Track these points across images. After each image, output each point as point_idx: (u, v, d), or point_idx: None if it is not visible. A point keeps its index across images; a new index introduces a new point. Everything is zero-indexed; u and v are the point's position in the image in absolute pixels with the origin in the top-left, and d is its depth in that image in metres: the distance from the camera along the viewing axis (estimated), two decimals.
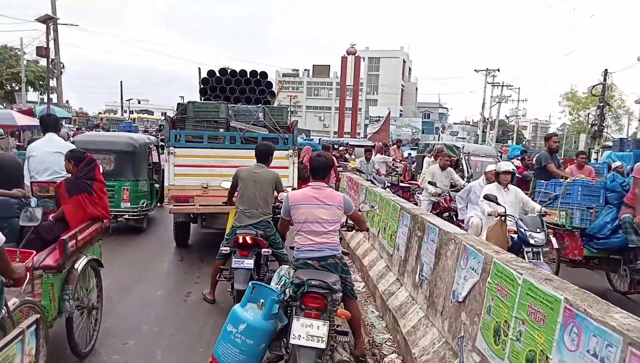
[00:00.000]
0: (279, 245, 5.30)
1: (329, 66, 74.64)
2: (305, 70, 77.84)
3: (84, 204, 4.23)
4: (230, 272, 4.93)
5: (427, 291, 4.03)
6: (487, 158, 9.97)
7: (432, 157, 9.69)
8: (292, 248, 4.54)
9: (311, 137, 30.33)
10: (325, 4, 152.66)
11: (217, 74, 8.78)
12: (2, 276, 2.51)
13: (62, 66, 31.06)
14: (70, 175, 4.44)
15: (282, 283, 3.73)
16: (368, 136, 41.90)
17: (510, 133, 63.07)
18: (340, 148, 16.15)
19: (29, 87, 39.96)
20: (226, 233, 5.38)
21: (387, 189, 9.70)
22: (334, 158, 3.88)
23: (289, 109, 8.44)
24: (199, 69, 9.09)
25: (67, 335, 3.78)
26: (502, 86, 47.45)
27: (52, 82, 31.85)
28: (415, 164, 13.50)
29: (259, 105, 8.12)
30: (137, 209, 8.72)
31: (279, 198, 5.26)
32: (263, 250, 4.94)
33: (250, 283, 3.50)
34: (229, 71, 8.83)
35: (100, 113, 54.61)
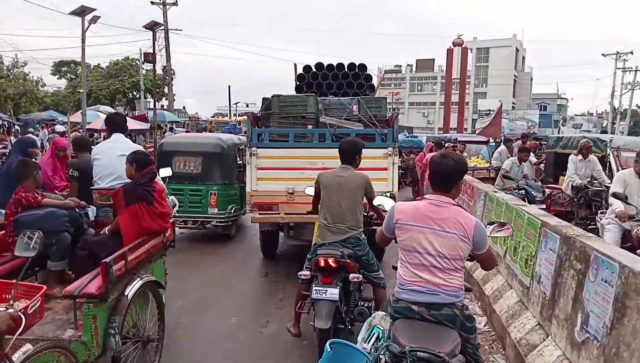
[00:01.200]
0: (373, 267, 4.15)
1: (433, 59, 71.62)
2: (408, 65, 75.50)
3: (141, 216, 3.63)
4: (311, 303, 3.86)
5: (599, 359, 2.62)
6: None
7: (578, 153, 7.52)
8: (394, 268, 3.40)
9: (414, 134, 28.62)
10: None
11: (314, 69, 7.97)
12: None
13: (172, 72, 32.81)
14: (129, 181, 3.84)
15: (373, 339, 2.60)
16: (477, 131, 38.91)
17: None
18: (448, 145, 14.47)
19: (148, 94, 43.10)
20: (310, 251, 4.36)
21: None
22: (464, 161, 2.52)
23: (387, 100, 7.22)
24: (295, 65, 8.43)
25: None
26: (636, 70, 41.39)
27: (173, 89, 33.89)
28: (544, 162, 11.24)
29: (353, 97, 7.04)
30: (225, 215, 8.09)
31: (374, 204, 4.09)
32: (351, 275, 3.82)
33: (327, 343, 2.41)
34: (325, 65, 7.99)
35: (211, 117, 57.52)
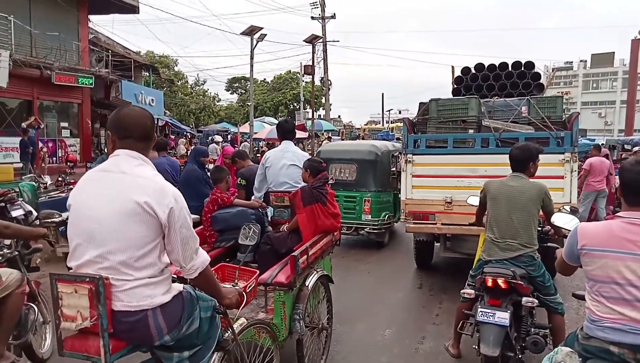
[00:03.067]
0: (549, 290, 3.60)
1: (613, 53, 63.24)
2: (581, 61, 67.67)
3: (317, 215, 4.01)
4: (476, 325, 3.49)
5: None
6: None
7: None
8: (575, 296, 2.90)
9: (589, 136, 25.37)
10: None
11: (473, 71, 7.47)
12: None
13: (329, 82, 34.24)
14: (305, 184, 4.28)
15: None
16: None
17: None
18: (636, 149, 12.43)
19: (307, 105, 45.71)
20: (473, 266, 3.98)
21: None
22: None
23: (563, 99, 6.38)
24: (452, 67, 8.01)
25: (298, 359, 3.47)
26: None
27: (330, 99, 35.55)
28: None
29: (521, 98, 6.37)
30: (378, 222, 8.01)
31: (552, 221, 3.57)
32: (524, 298, 3.35)
33: None
34: (486, 66, 7.42)
35: (364, 125, 58.76)
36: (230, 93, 56.55)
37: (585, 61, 67.13)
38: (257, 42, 19.79)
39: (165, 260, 2.02)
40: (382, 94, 54.18)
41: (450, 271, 6.66)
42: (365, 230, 8.11)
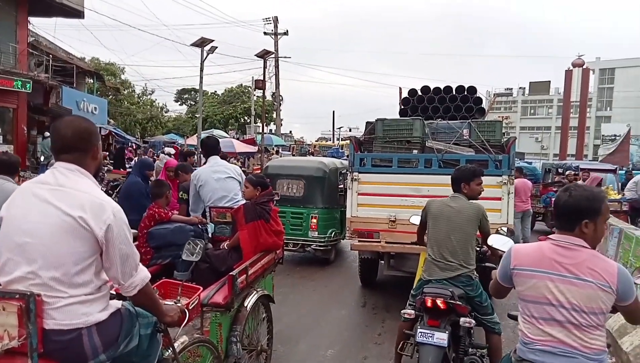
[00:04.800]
0: (487, 310, 3.68)
1: (549, 82, 67.16)
2: (520, 88, 71.55)
3: (259, 232, 3.90)
4: (416, 345, 3.50)
5: None
6: None
7: None
8: (510, 316, 2.96)
9: (527, 159, 26.72)
10: (540, 16, 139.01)
11: (419, 93, 7.68)
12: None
13: (281, 98, 34.30)
14: (245, 201, 4.23)
15: None
16: (600, 158, 35.39)
17: None
18: (568, 173, 13.17)
19: (257, 119, 45.47)
20: (414, 286, 4.02)
21: None
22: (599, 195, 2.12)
23: (502, 124, 6.66)
24: (400, 89, 8.25)
25: None
26: None
27: (281, 114, 35.53)
28: None
29: (463, 120, 6.60)
30: (325, 239, 7.99)
31: (488, 242, 3.66)
32: (462, 319, 3.40)
33: None
34: (432, 88, 7.67)
35: (315, 141, 59.17)
36: (180, 104, 55.50)
37: (524, 88, 71.01)
38: (208, 54, 19.48)
39: (104, 277, 1.95)
40: (333, 111, 54.96)
41: (394, 290, 6.72)
42: (312, 246, 8.07)
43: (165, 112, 47.93)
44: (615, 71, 61.13)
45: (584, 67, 43.55)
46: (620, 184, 13.78)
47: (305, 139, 58.51)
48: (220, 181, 4.71)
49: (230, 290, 3.22)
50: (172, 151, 16.59)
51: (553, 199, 4.12)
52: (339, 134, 62.16)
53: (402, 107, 7.76)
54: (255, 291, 3.64)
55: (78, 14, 19.20)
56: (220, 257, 3.98)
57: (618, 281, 2.04)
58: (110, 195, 8.83)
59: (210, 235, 4.48)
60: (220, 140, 5.90)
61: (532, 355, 2.15)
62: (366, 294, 6.56)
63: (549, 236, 2.27)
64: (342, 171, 8.59)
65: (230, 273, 3.29)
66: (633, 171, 17.63)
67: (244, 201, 4.36)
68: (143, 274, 2.01)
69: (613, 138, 43.45)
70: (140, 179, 5.83)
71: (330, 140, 56.82)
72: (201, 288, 2.96)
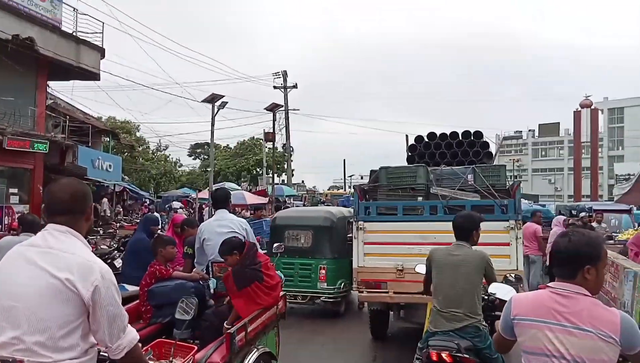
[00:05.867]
0: (496, 362, 3.54)
1: (558, 123, 67.48)
2: (529, 130, 71.84)
3: (255, 295, 3.75)
4: None
5: None
6: None
7: None
8: None
9: (541, 202, 26.39)
10: (550, 58, 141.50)
11: (426, 139, 7.75)
12: None
13: (291, 148, 34.80)
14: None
15: None
16: (616, 198, 34.84)
17: None
18: (583, 215, 12.94)
19: (269, 170, 46.10)
20: (421, 339, 3.89)
21: None
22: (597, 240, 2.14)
23: (506, 168, 6.66)
24: (407, 136, 8.33)
25: None
26: None
27: (292, 165, 36.00)
28: None
29: (467, 166, 6.60)
30: (334, 290, 7.86)
31: (490, 291, 3.58)
32: None
33: None
34: (438, 134, 7.75)
35: (327, 190, 59.44)
36: (193, 158, 56.52)
37: (534, 130, 71.33)
38: (219, 109, 20.14)
39: (91, 340, 1.92)
40: (344, 160, 55.23)
41: (406, 342, 6.48)
42: (321, 298, 7.93)
43: (179, 166, 48.82)
44: (624, 110, 61.33)
45: (593, 107, 43.76)
46: (637, 224, 13.49)
47: (317, 189, 58.79)
48: (223, 235, 4.69)
49: (228, 348, 3.16)
50: (179, 205, 16.69)
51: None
52: (350, 182, 62.38)
53: (409, 154, 7.82)
54: (255, 349, 3.56)
55: (94, 76, 20.02)
56: (221, 314, 3.89)
57: (621, 330, 1.96)
58: (122, 252, 8.91)
59: (212, 291, 4.42)
60: (231, 192, 5.95)
61: None
62: (377, 347, 6.36)
63: (548, 285, 2.21)
64: (350, 220, 8.54)
65: (228, 331, 3.23)
66: None
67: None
68: (131, 336, 1.97)
69: (627, 177, 42.93)
70: (145, 236, 5.86)
71: (342, 188, 57.00)
72: (195, 348, 2.90)
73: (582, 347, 1.96)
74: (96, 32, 19.08)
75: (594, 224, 11.91)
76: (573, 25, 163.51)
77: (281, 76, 32.15)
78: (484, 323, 3.67)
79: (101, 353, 2.07)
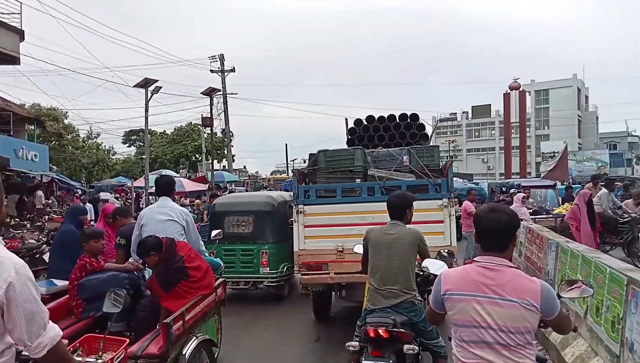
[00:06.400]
0: (432, 334, 3.69)
1: (490, 105, 70.54)
2: (463, 112, 74.69)
3: (185, 293, 3.67)
4: None
5: None
6: None
7: None
8: (450, 339, 2.95)
9: (475, 180, 27.64)
10: (478, 43, 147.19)
11: (365, 123, 7.83)
12: None
13: (231, 134, 34.21)
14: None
15: None
16: (542, 175, 37.11)
17: None
18: (512, 191, 13.68)
19: (209, 156, 45.08)
20: (360, 317, 3.98)
21: None
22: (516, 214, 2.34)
23: (439, 148, 6.89)
24: (346, 119, 8.35)
25: None
26: None
27: (233, 150, 35.30)
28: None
29: (403, 148, 6.76)
30: (277, 274, 7.87)
31: (423, 266, 3.72)
32: (406, 346, 3.38)
33: None
34: (376, 117, 7.85)
35: (269, 175, 59.07)
36: (128, 146, 54.20)
37: (467, 112, 74.21)
38: (152, 94, 19.36)
39: (7, 340, 1.79)
40: (286, 144, 54.95)
41: (348, 321, 6.62)
42: (264, 283, 7.92)
43: (113, 155, 46.68)
44: (549, 92, 65.09)
45: (520, 89, 46.04)
46: (560, 198, 14.45)
47: (260, 174, 58.30)
48: (161, 222, 4.55)
49: (165, 338, 3.08)
50: (109, 196, 15.86)
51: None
52: (293, 166, 62.33)
53: (349, 137, 7.88)
54: (195, 337, 3.50)
55: (13, 60, 18.62)
56: (159, 303, 3.77)
57: (541, 298, 2.09)
58: (51, 245, 8.41)
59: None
60: None
61: None
62: (320, 328, 6.46)
63: (475, 259, 2.31)
64: (292, 204, 8.56)
65: (164, 321, 3.15)
66: (572, 186, 18.57)
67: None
68: (53, 332, 1.86)
69: (552, 154, 45.86)
70: (74, 227, 5.56)
71: (284, 173, 56.88)
72: (128, 341, 2.80)
73: (507, 317, 2.07)
74: (14, 13, 17.66)
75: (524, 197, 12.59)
76: (503, 11, 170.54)
77: (218, 59, 31.34)
78: (419, 297, 3.81)
79: (22, 353, 1.95)
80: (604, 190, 10.65)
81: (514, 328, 2.07)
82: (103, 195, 16.58)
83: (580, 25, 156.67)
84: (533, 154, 57.53)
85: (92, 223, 10.75)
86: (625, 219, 9.90)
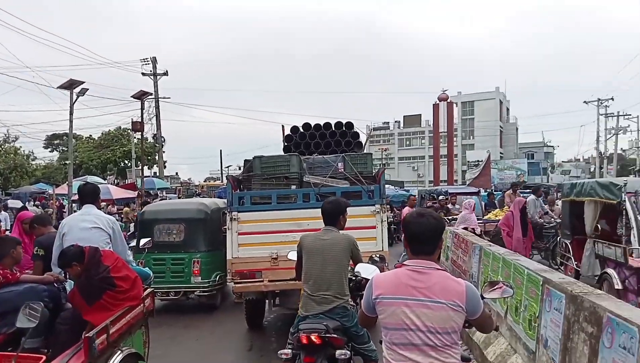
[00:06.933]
0: (363, 339, 3.74)
1: (420, 115, 73.37)
2: (395, 121, 77.14)
3: (110, 305, 3.45)
4: None
5: None
6: None
7: None
8: (382, 342, 3.01)
9: (406, 187, 28.58)
10: (410, 55, 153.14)
11: (301, 130, 7.85)
12: None
13: (163, 139, 33.06)
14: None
15: None
16: (468, 182, 39.10)
17: (632, 167, 56.09)
18: (440, 198, 14.26)
19: (139, 162, 43.31)
20: (293, 325, 3.96)
21: None
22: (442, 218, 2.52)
23: (372, 156, 7.07)
24: (283, 126, 8.35)
25: None
26: (618, 116, 42.43)
27: (165, 156, 34.00)
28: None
29: (338, 155, 6.86)
30: (209, 283, 7.67)
31: (355, 271, 3.78)
32: (338, 351, 3.41)
33: None
34: (312, 125, 7.90)
35: (203, 182, 57.70)
36: (50, 151, 50.98)
37: (399, 122, 76.77)
38: (78, 96, 18.34)
39: None
40: (220, 150, 53.86)
41: (282, 328, 6.60)
42: (196, 293, 7.70)
43: (32, 160, 43.62)
44: (474, 104, 68.82)
45: (448, 101, 48.35)
46: (483, 204, 15.25)
47: (193, 181, 56.80)
48: (85, 230, 4.28)
49: (87, 353, 2.90)
50: (19, 204, 14.56)
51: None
52: (227, 173, 61.28)
53: (286, 144, 7.88)
54: (119, 351, 3.32)
55: None
56: (80, 317, 3.50)
57: (466, 299, 2.18)
58: None
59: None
60: None
61: None
62: (253, 337, 6.37)
63: (404, 263, 2.37)
64: (225, 211, 8.40)
65: (87, 335, 2.97)
66: (494, 192, 19.69)
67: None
68: None
69: (477, 163, 48.44)
70: None
71: (219, 180, 55.80)
72: (44, 358, 2.62)
73: (435, 318, 2.15)
74: None
75: (450, 206, 13.18)
76: (434, 27, 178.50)
77: (150, 62, 30.28)
78: (351, 302, 3.85)
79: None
80: (531, 196, 11.29)
81: (442, 329, 2.15)
82: (12, 203, 15.13)
83: (503, 42, 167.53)
84: (460, 163, 60.40)
85: (6, 232, 9.95)
86: (552, 225, 10.54)
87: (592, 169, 51.22)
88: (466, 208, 10.40)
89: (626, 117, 42.42)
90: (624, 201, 6.26)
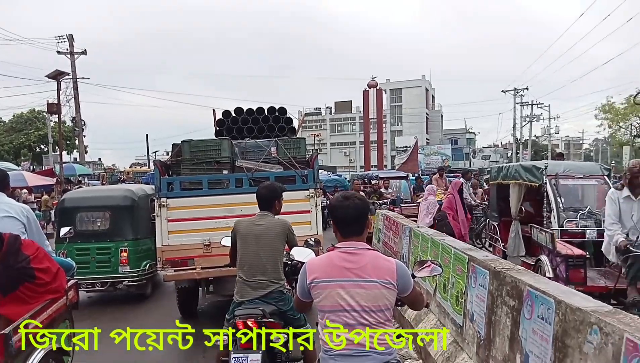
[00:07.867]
0: (299, 322, 3.76)
1: (351, 101, 74.45)
2: (327, 107, 77.75)
3: (28, 297, 3.22)
4: None
5: None
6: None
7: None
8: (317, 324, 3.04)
9: (338, 172, 28.97)
10: (339, 42, 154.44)
11: (233, 114, 7.64)
12: None
13: (83, 123, 31.07)
14: None
15: None
16: (397, 167, 40.41)
17: (543, 153, 60.64)
18: (374, 182, 14.60)
19: (57, 147, 40.48)
20: (228, 311, 3.91)
21: None
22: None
23: (305, 140, 7.07)
24: (214, 110, 8.08)
25: None
26: (532, 105, 45.52)
27: (86, 141, 31.93)
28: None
29: (271, 139, 6.78)
30: (138, 273, 7.39)
31: (291, 255, 3.78)
32: (275, 336, 3.40)
33: None
34: (245, 109, 7.71)
35: (128, 167, 55.07)
36: None
37: (331, 108, 77.47)
38: None
39: None
40: (147, 135, 51.55)
41: (216, 317, 6.48)
42: (124, 283, 7.38)
43: None
44: (402, 91, 70.86)
45: (377, 88, 49.39)
46: (412, 188, 15.83)
47: (118, 167, 54.06)
48: None
49: (3, 352, 2.70)
50: None
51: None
52: (155, 158, 58.83)
53: (217, 128, 7.66)
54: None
55: None
56: None
57: (397, 276, 2.25)
58: None
59: None
60: (9, 173, 4.97)
61: (332, 361, 2.23)
62: (187, 325, 6.21)
63: (336, 246, 2.40)
64: (154, 198, 8.08)
65: (2, 332, 2.75)
66: (422, 177, 20.51)
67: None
68: None
69: (405, 148, 50.11)
70: None
71: (145, 165, 53.52)
72: None
73: (368, 297, 2.19)
74: None
75: (382, 189, 13.55)
76: (363, 15, 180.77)
77: (67, 40, 28.17)
78: (287, 287, 3.85)
79: None
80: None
81: (375, 307, 2.21)
82: None
83: (429, 33, 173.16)
84: (389, 148, 62.21)
85: None
86: (482, 207, 11.08)
87: (509, 154, 54.71)
88: (429, 192, 10.48)
89: (539, 106, 45.62)
90: (545, 183, 6.63)
